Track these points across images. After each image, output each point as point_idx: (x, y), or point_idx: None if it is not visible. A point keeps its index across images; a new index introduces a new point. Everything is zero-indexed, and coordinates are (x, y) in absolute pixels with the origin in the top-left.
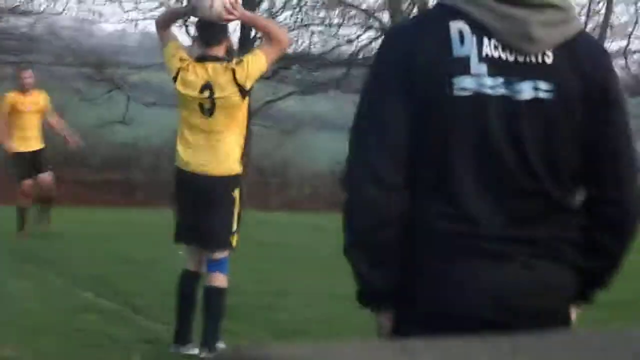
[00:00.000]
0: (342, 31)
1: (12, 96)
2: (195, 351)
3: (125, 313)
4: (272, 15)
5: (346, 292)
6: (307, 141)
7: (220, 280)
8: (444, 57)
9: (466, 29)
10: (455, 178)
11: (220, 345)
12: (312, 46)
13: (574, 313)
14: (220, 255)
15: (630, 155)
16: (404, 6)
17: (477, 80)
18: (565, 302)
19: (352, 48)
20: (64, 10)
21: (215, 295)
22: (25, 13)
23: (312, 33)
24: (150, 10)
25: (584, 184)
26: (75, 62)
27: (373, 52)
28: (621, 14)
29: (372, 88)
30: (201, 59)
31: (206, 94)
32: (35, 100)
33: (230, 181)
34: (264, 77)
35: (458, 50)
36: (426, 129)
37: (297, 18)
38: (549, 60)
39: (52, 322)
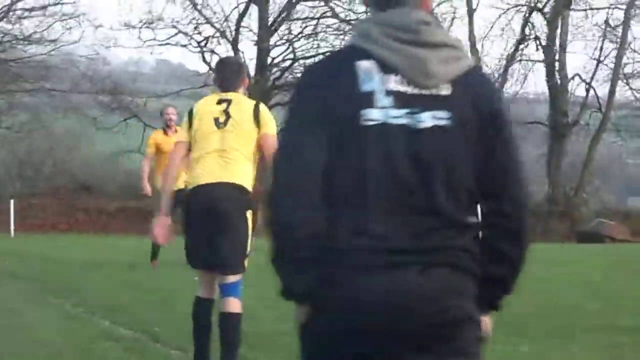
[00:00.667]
0: None
1: (157, 136)
2: None
3: (143, 341)
4: (290, 42)
5: None
6: None
7: (234, 305)
8: (353, 92)
9: (372, 67)
10: (365, 198)
11: None
12: None
13: (487, 322)
14: (234, 278)
15: (520, 172)
16: None
17: (383, 112)
18: (463, 303)
19: None
20: (80, 38)
21: (230, 321)
22: (40, 41)
23: None
24: (168, 37)
25: (482, 199)
26: (92, 89)
27: None
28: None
29: (292, 119)
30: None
31: (223, 106)
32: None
33: (243, 195)
34: (280, 104)
35: (365, 86)
36: (340, 155)
37: (314, 45)
38: (446, 92)
39: (69, 351)
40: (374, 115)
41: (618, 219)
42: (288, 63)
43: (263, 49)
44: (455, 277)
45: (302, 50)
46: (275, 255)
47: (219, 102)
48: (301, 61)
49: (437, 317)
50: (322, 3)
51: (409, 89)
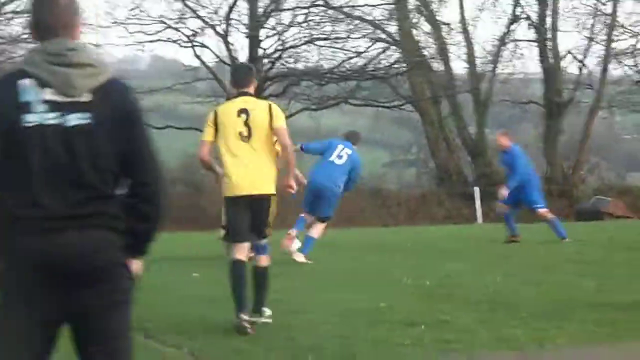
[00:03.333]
0: (350, 44)
1: None
2: (256, 319)
3: (137, 338)
4: (280, 33)
5: (360, 307)
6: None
7: (264, 260)
8: (15, 102)
9: (31, 82)
10: (30, 179)
11: (267, 310)
12: (320, 61)
13: (135, 264)
14: (264, 241)
15: (151, 154)
16: (411, 16)
17: (39, 115)
18: (114, 253)
19: (361, 61)
20: None
21: (262, 272)
22: (29, 41)
23: (320, 47)
24: (157, 32)
25: (127, 176)
26: None
27: (382, 64)
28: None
29: None
30: (235, 97)
31: (243, 117)
32: None
33: (269, 199)
34: (273, 95)
35: (24, 97)
36: (9, 149)
37: (305, 35)
38: (87, 99)
39: (60, 350)
40: (31, 119)
41: (617, 195)
42: (278, 54)
43: (254, 41)
44: (105, 235)
45: (295, 40)
46: None
47: (239, 113)
48: (291, 50)
49: (93, 263)
50: None
51: (60, 98)
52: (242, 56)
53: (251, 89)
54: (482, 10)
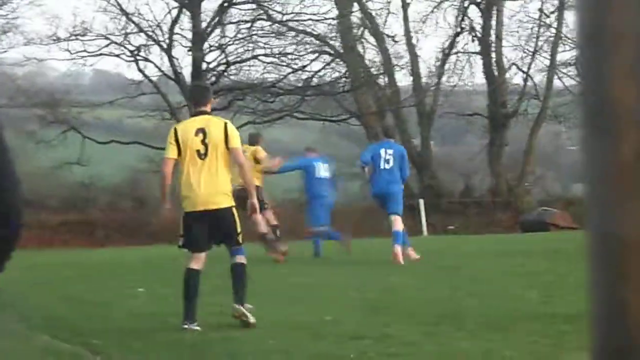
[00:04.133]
0: (294, 58)
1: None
2: (198, 328)
3: (84, 354)
4: (222, 47)
5: (304, 321)
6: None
7: (241, 259)
8: None
9: None
10: None
11: (249, 305)
12: (264, 75)
13: None
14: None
15: (5, 175)
16: (354, 31)
17: None
18: None
19: (305, 75)
20: (10, 47)
21: (239, 267)
22: None
23: (265, 63)
24: (100, 48)
25: None
26: (28, 102)
27: (327, 77)
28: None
29: None
30: (194, 115)
31: (200, 137)
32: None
33: (231, 210)
34: (219, 109)
35: None
36: None
37: (249, 48)
38: None
39: None
40: None
41: (562, 206)
42: (222, 68)
43: (197, 55)
44: None
45: (237, 54)
46: None
47: (197, 132)
48: (237, 65)
49: None
50: (255, 6)
51: None
52: (187, 70)
53: (208, 108)
54: (426, 22)
